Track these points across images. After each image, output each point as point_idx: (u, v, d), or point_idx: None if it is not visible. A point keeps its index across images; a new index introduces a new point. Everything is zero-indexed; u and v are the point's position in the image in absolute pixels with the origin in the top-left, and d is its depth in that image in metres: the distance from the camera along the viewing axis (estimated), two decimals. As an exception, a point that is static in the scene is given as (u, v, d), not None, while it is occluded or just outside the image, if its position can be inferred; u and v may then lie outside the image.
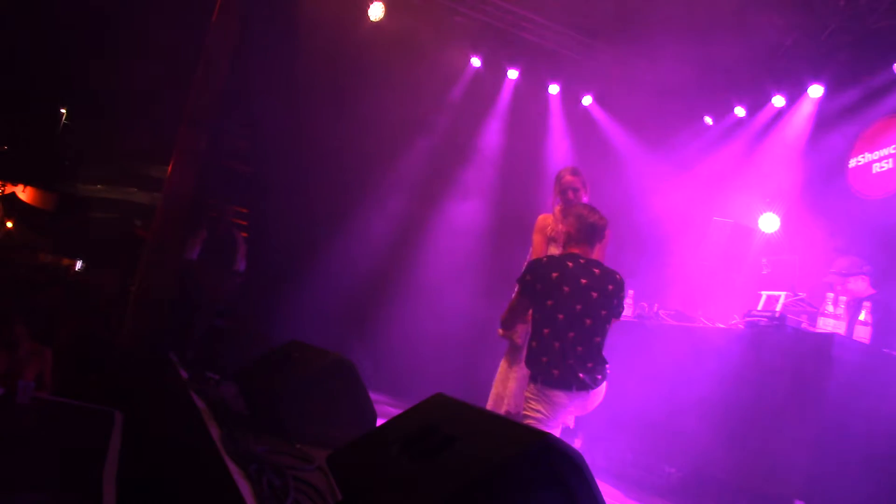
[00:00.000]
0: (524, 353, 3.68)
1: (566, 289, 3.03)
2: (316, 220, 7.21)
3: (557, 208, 3.97)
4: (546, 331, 3.06)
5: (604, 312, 3.09)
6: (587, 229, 3.17)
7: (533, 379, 3.09)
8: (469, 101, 7.73)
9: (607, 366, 3.15)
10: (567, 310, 3.03)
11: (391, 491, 1.80)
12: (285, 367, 3.40)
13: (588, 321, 3.04)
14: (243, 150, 7.82)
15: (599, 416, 3.48)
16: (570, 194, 3.87)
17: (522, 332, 3.74)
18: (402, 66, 6.88)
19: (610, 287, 3.09)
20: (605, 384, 3.15)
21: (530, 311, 3.26)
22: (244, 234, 6.75)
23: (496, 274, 6.58)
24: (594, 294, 3.05)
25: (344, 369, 3.27)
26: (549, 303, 3.05)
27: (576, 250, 3.17)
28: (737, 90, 7.03)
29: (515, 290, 3.27)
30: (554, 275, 3.06)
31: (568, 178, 3.91)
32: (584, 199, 3.89)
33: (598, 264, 3.15)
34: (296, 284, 6.94)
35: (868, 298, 3.97)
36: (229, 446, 2.70)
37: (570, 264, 3.09)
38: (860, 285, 4.28)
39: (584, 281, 3.05)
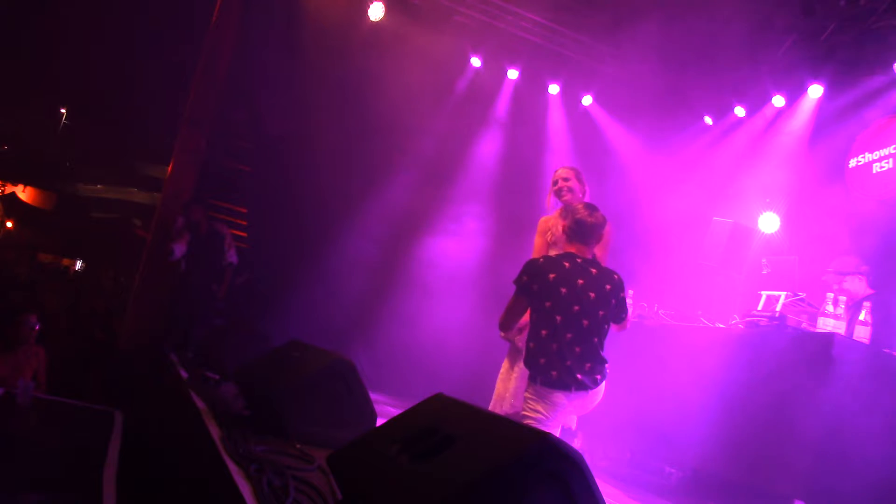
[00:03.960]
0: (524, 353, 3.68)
1: (563, 290, 3.02)
2: (316, 219, 7.20)
3: (558, 210, 3.95)
4: (544, 332, 3.05)
5: (601, 313, 3.07)
6: (576, 227, 3.14)
7: (532, 379, 3.09)
8: (469, 101, 7.73)
9: (606, 365, 3.14)
10: (565, 311, 3.02)
11: (391, 491, 1.80)
12: (285, 367, 3.40)
13: (586, 322, 3.03)
14: (243, 150, 7.82)
15: (599, 416, 3.48)
16: (565, 192, 3.80)
17: (523, 334, 3.73)
18: (402, 66, 6.87)
19: (607, 287, 3.08)
20: (604, 384, 3.14)
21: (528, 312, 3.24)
22: (233, 231, 6.72)
23: (497, 274, 6.57)
24: (591, 294, 3.04)
25: (344, 369, 3.27)
26: (547, 304, 3.04)
27: (572, 249, 3.16)
28: (737, 90, 7.03)
29: (514, 290, 3.25)
30: (551, 276, 3.04)
31: (558, 171, 3.87)
32: (580, 194, 3.83)
33: (595, 264, 3.13)
34: (296, 284, 6.93)
35: (867, 298, 3.97)
36: (229, 446, 2.70)
37: (567, 265, 3.07)
38: (857, 284, 4.27)
39: (580, 282, 3.03)
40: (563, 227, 3.20)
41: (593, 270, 3.08)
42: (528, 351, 3.12)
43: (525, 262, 3.22)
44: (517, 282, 3.16)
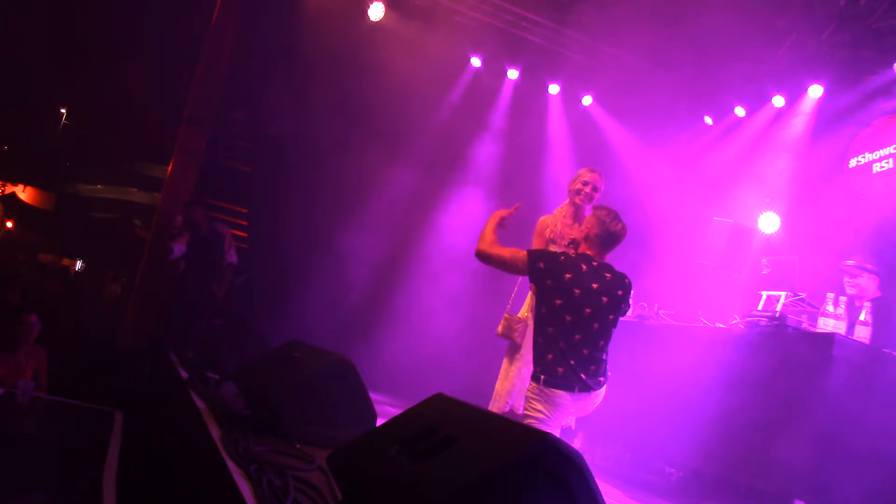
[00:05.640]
0: (522, 351, 3.68)
1: (577, 291, 3.02)
2: (316, 219, 7.20)
3: (560, 209, 3.94)
4: (550, 329, 3.06)
5: (611, 317, 3.08)
6: (606, 236, 3.12)
7: (535, 378, 3.09)
8: (469, 101, 7.73)
9: (609, 368, 3.15)
10: (575, 312, 3.02)
11: (391, 491, 1.79)
12: (285, 366, 3.40)
13: (595, 325, 3.04)
14: (243, 150, 7.82)
15: (599, 416, 3.48)
16: (587, 200, 3.79)
17: (521, 332, 3.73)
18: (402, 66, 6.87)
19: (619, 292, 3.09)
20: (605, 386, 3.15)
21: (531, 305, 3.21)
22: (233, 231, 6.72)
23: (497, 274, 6.56)
24: (604, 299, 3.05)
25: (344, 369, 3.27)
26: (558, 302, 3.04)
27: (590, 252, 3.16)
28: (737, 90, 7.03)
29: (522, 255, 3.15)
30: (567, 276, 3.04)
31: (589, 175, 3.84)
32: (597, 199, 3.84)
33: (609, 268, 3.14)
34: (296, 284, 6.94)
35: (871, 299, 3.97)
36: (229, 446, 2.70)
37: (584, 267, 3.08)
38: (870, 283, 4.26)
39: (595, 286, 3.04)
40: (589, 231, 3.16)
41: (608, 275, 3.09)
42: (536, 346, 3.12)
43: (546, 252, 3.20)
44: (532, 263, 3.07)
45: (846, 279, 4.29)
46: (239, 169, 7.82)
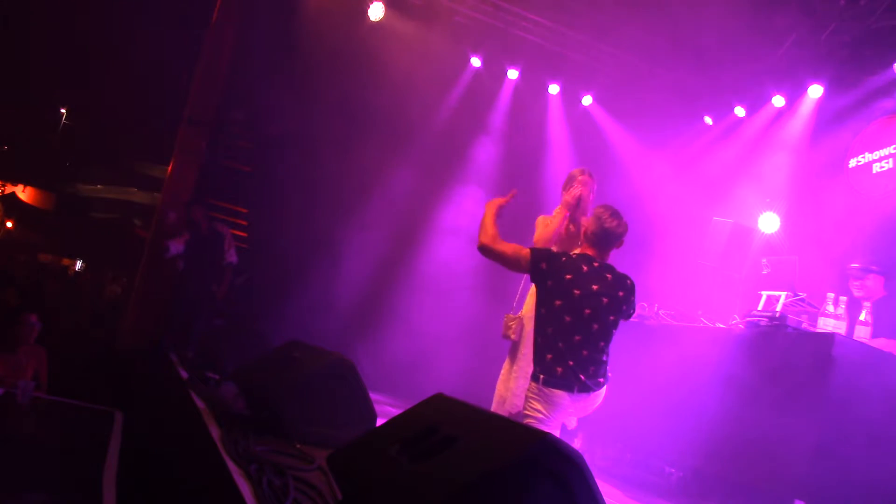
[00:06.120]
0: (524, 350, 3.68)
1: (577, 292, 3.01)
2: (316, 219, 7.20)
3: (559, 210, 3.94)
4: (550, 330, 3.05)
5: (612, 318, 3.07)
6: (601, 234, 3.11)
7: (534, 378, 3.08)
8: (469, 101, 7.73)
9: (609, 368, 3.15)
10: (575, 313, 3.01)
11: (391, 491, 1.80)
12: (285, 366, 3.40)
13: (595, 326, 3.03)
14: (243, 150, 7.82)
15: (599, 416, 3.48)
16: (582, 202, 3.81)
17: (516, 329, 3.73)
18: (402, 66, 6.87)
19: (620, 293, 3.08)
20: (605, 387, 3.14)
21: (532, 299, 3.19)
22: (233, 231, 6.71)
23: (497, 274, 6.57)
24: (604, 300, 3.04)
25: (344, 369, 3.27)
26: (558, 303, 3.03)
27: (590, 252, 3.15)
28: (737, 90, 7.03)
29: (525, 254, 3.15)
30: (567, 277, 3.04)
31: (582, 177, 3.86)
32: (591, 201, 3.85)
33: (610, 269, 3.13)
34: (296, 284, 6.94)
35: (877, 300, 3.98)
36: (229, 446, 2.70)
37: (585, 268, 3.07)
38: (876, 283, 4.26)
39: (595, 287, 3.03)
40: (586, 230, 3.17)
41: (608, 276, 3.08)
42: (536, 346, 3.12)
43: (549, 251, 3.20)
44: (535, 259, 3.08)
45: (852, 282, 4.28)
46: (239, 169, 7.82)
